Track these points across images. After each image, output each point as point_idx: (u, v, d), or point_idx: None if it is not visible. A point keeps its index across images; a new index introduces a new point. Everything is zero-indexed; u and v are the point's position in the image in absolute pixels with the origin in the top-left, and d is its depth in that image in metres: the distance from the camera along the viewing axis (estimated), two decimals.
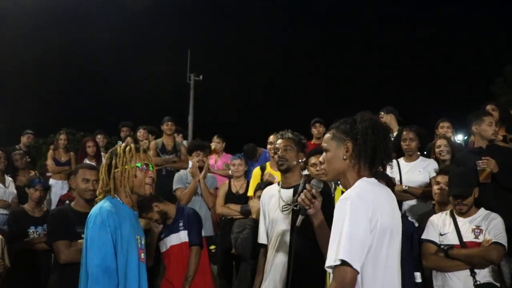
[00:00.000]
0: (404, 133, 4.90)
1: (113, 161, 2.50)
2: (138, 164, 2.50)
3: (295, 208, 3.15)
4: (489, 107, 5.22)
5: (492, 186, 4.10)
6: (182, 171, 5.58)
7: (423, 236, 3.68)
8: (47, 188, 4.98)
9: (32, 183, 4.77)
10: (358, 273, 1.89)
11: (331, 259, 1.90)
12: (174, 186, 5.26)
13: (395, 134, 5.68)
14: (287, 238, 3.19)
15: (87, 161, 6.67)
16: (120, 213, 2.44)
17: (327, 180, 2.47)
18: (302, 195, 2.45)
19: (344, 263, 1.86)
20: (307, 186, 2.46)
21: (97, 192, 2.57)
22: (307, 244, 2.85)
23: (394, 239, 2.03)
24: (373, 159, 2.12)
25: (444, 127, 5.61)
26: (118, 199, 2.50)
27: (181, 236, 4.01)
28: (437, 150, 4.90)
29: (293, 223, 3.09)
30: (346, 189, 2.12)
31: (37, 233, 4.48)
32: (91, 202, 3.68)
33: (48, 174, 6.88)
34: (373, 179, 2.13)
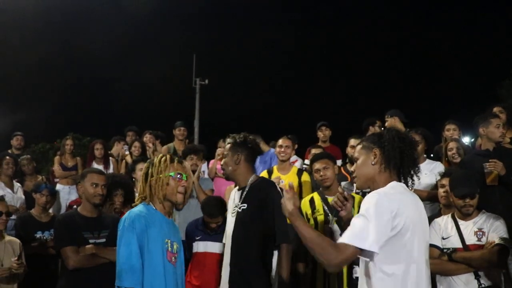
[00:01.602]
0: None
1: (150, 170, 2.70)
2: (171, 173, 2.68)
3: (239, 210, 3.37)
4: (496, 109, 5.19)
5: (499, 189, 4.07)
6: None
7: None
8: (54, 193, 5.01)
9: (38, 188, 4.80)
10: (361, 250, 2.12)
11: (346, 238, 2.12)
12: None
13: None
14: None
15: (95, 164, 6.74)
16: (150, 218, 2.59)
17: (358, 185, 2.50)
18: (335, 198, 2.57)
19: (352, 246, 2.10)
20: (339, 188, 2.62)
21: (135, 199, 2.75)
22: (243, 244, 3.20)
23: (421, 239, 2.23)
24: (401, 165, 2.31)
25: (450, 129, 5.58)
26: (152, 205, 2.67)
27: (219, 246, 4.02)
28: (449, 153, 4.87)
29: (236, 224, 3.36)
30: None
31: (44, 238, 4.50)
32: (98, 207, 3.71)
33: (56, 180, 6.91)
34: (402, 184, 2.32)
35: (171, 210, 2.78)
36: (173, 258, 2.64)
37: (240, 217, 3.37)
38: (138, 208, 2.61)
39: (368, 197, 2.22)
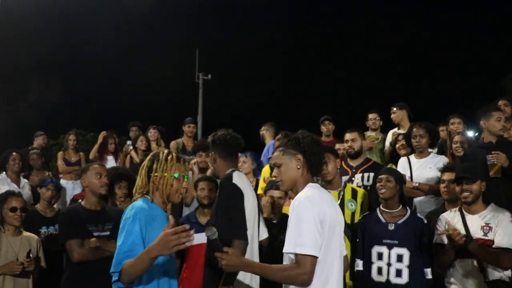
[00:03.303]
0: (414, 129, 4.87)
1: (154, 165, 2.62)
2: (176, 174, 2.62)
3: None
4: (501, 103, 5.18)
5: (503, 182, 4.05)
6: None
7: (433, 240, 3.65)
8: (59, 188, 5.04)
9: (44, 182, 4.83)
10: (317, 258, 2.33)
11: (290, 247, 2.35)
12: None
13: (406, 131, 5.65)
14: None
15: (106, 157, 6.86)
16: (152, 212, 2.55)
17: (283, 189, 2.72)
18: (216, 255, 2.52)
19: (305, 254, 2.31)
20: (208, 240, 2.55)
21: (134, 191, 2.68)
22: None
23: (338, 232, 2.51)
24: (315, 167, 2.58)
25: (455, 123, 5.56)
26: (152, 200, 2.63)
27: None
28: (454, 145, 4.86)
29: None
30: (297, 194, 2.52)
31: (49, 233, 4.52)
32: (101, 200, 3.73)
33: (60, 175, 6.94)
34: (317, 184, 2.58)
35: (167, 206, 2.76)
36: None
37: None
38: (140, 202, 2.56)
39: (296, 205, 2.42)
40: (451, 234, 3.36)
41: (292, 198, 2.62)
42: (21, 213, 3.94)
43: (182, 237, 2.26)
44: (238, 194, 3.16)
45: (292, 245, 2.34)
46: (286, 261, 2.49)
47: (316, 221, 2.35)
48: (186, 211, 5.32)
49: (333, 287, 2.42)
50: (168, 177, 2.60)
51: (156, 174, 2.61)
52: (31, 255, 3.79)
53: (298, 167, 2.54)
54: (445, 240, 3.48)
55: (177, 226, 2.34)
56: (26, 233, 4.03)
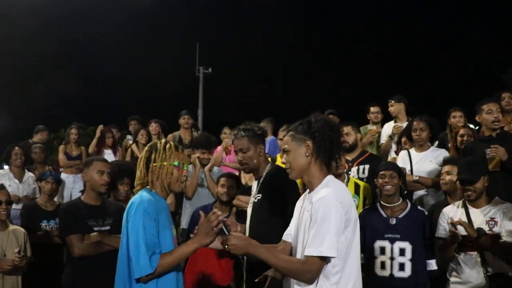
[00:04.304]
0: (415, 123, 4.86)
1: (153, 156, 2.61)
2: (175, 163, 2.62)
3: (255, 201, 3.31)
4: (505, 95, 5.18)
5: (502, 176, 4.05)
6: None
7: (436, 234, 3.65)
8: (58, 181, 5.04)
9: (43, 175, 4.84)
10: (329, 258, 2.22)
11: (315, 251, 2.20)
12: None
13: (403, 124, 5.64)
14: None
15: (105, 151, 6.86)
16: (157, 204, 2.54)
17: (292, 177, 2.52)
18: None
19: (322, 257, 2.21)
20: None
21: (135, 183, 2.67)
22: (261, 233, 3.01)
23: (358, 228, 2.38)
24: (330, 154, 2.40)
25: (456, 117, 5.52)
26: (154, 191, 2.61)
27: None
28: (459, 139, 4.84)
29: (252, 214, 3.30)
30: (311, 184, 2.41)
31: (50, 226, 4.53)
32: (102, 195, 3.73)
33: (61, 169, 6.95)
34: (332, 176, 2.42)
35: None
36: (176, 242, 2.63)
37: (256, 207, 3.30)
38: (146, 194, 2.54)
39: (322, 203, 2.26)
40: (464, 226, 3.36)
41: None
42: (6, 206, 3.89)
43: (213, 220, 2.39)
44: None
45: (316, 246, 2.20)
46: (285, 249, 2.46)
47: (341, 221, 2.23)
48: (187, 205, 5.33)
49: (355, 284, 2.32)
50: (167, 166, 2.60)
51: (155, 164, 2.60)
52: (21, 252, 3.74)
53: (307, 154, 2.38)
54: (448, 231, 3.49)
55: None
56: (12, 227, 3.99)
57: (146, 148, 2.70)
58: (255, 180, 3.43)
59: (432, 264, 3.61)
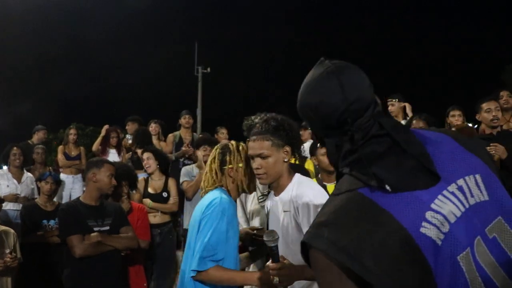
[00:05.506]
0: (414, 122, 4.87)
1: (227, 158, 2.56)
2: (240, 165, 2.59)
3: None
4: (503, 93, 5.17)
5: (503, 174, 4.04)
6: (188, 165, 5.68)
7: None
8: (58, 182, 5.03)
9: (43, 176, 4.83)
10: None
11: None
12: (181, 180, 5.33)
13: (402, 123, 5.64)
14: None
15: (110, 151, 6.85)
16: (234, 207, 2.51)
17: (264, 183, 2.48)
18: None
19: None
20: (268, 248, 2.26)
21: (206, 184, 2.58)
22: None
23: None
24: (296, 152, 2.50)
25: (455, 116, 5.52)
26: (228, 193, 2.56)
27: None
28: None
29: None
30: (281, 186, 2.44)
31: (50, 226, 4.53)
32: (102, 196, 3.73)
33: (60, 169, 6.95)
34: (299, 174, 2.49)
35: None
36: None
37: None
38: (225, 197, 2.46)
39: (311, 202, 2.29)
40: None
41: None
42: None
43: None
44: None
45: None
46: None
47: None
48: (187, 206, 5.31)
49: None
50: (243, 168, 2.55)
51: (230, 166, 2.54)
52: (13, 253, 3.70)
53: (286, 159, 2.42)
54: None
55: None
56: (2, 227, 3.94)
57: (218, 150, 2.63)
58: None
59: None
